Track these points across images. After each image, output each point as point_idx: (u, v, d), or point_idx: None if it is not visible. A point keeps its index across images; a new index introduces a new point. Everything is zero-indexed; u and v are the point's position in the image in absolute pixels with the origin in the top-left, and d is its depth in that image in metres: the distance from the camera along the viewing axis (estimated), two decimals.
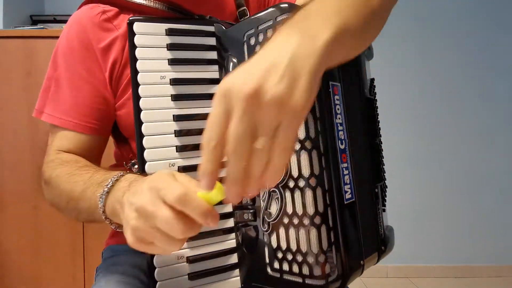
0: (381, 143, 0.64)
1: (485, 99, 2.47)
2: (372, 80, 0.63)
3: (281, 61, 0.34)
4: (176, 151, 0.58)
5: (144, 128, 0.57)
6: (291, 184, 0.53)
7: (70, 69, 0.68)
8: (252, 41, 0.57)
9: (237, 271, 0.59)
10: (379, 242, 0.60)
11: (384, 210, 0.63)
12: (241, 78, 0.34)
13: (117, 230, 0.54)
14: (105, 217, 0.53)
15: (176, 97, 0.59)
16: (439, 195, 2.44)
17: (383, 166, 0.63)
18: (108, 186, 0.52)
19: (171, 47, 0.60)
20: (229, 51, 0.60)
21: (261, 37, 0.56)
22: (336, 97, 0.55)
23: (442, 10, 2.48)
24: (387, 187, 0.64)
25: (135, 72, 0.58)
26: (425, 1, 2.47)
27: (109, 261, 0.74)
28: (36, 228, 1.70)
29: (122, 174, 0.55)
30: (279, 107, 0.33)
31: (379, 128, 0.64)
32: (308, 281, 0.51)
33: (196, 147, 0.59)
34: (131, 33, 0.59)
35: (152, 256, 0.56)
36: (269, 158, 0.34)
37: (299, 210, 0.52)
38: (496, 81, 2.47)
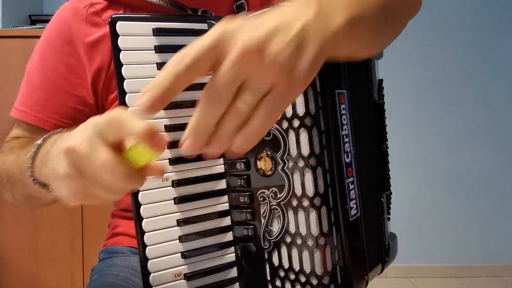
0: (388, 148, 0.60)
1: (483, 99, 2.40)
2: (381, 81, 0.58)
3: (292, 26, 0.32)
4: (169, 164, 0.54)
5: None
6: (294, 203, 0.50)
7: (45, 62, 0.63)
8: None
9: (237, 285, 0.57)
10: (383, 253, 0.58)
11: (388, 219, 0.60)
12: (246, 28, 0.31)
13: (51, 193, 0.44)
14: (33, 179, 0.44)
15: (168, 107, 0.54)
16: (439, 195, 2.41)
17: (389, 172, 0.60)
18: (39, 143, 0.44)
19: (159, 49, 0.53)
20: None
21: None
22: (343, 106, 0.50)
23: (442, 10, 2.38)
24: (391, 193, 0.62)
25: (120, 78, 0.52)
26: (425, 1, 2.34)
27: (105, 262, 0.73)
28: (35, 228, 1.69)
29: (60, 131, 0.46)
30: (279, 72, 0.30)
31: (386, 132, 0.60)
32: None
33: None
34: (114, 34, 0.52)
35: (147, 275, 0.53)
36: (247, 120, 0.31)
37: (303, 230, 0.50)
38: (496, 81, 2.40)
